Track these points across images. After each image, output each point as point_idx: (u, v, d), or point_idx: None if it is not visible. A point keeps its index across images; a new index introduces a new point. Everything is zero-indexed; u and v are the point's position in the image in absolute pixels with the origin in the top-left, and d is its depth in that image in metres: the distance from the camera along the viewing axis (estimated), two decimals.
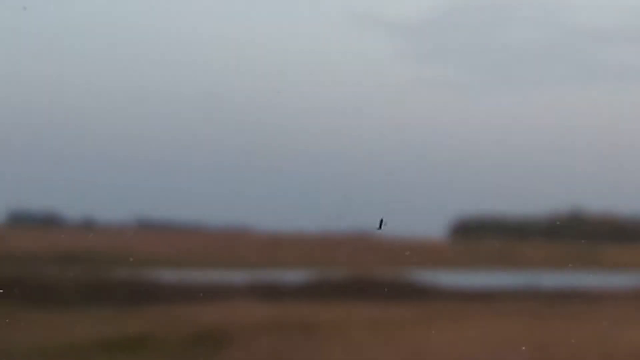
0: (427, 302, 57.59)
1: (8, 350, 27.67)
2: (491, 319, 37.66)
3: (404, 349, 26.35)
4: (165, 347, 27.61)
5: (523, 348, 25.07)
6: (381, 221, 40.47)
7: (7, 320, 39.33)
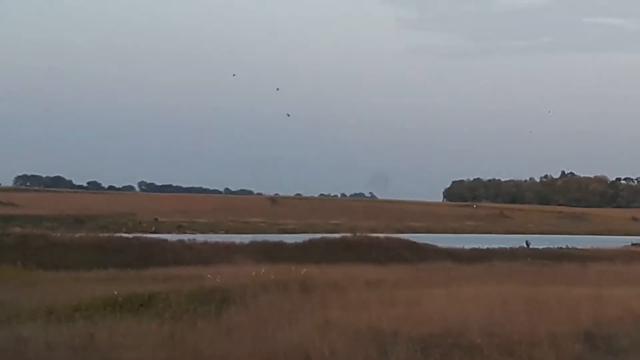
0: (425, 262, 58.40)
1: (20, 309, 28.54)
2: (486, 278, 38.59)
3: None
4: (172, 305, 28.47)
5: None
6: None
7: (17, 280, 40.16)
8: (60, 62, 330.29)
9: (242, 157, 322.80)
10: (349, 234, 73.60)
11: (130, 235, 68.74)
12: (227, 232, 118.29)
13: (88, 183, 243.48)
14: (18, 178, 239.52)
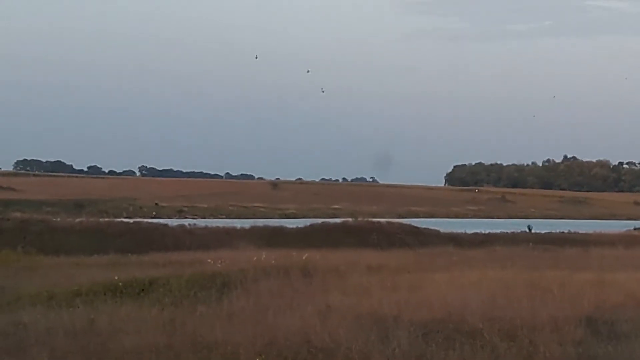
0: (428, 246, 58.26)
1: (20, 294, 28.48)
2: (488, 262, 38.50)
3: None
4: (172, 290, 28.40)
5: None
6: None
7: (17, 265, 40.09)
8: (60, 49, 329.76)
9: (243, 141, 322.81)
10: (350, 219, 73.50)
11: (131, 220, 68.68)
12: (227, 217, 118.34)
13: (88, 168, 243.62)
14: (18, 163, 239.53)
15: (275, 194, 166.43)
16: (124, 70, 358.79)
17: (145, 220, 73.50)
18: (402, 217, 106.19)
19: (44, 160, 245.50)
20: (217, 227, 65.08)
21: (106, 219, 69.42)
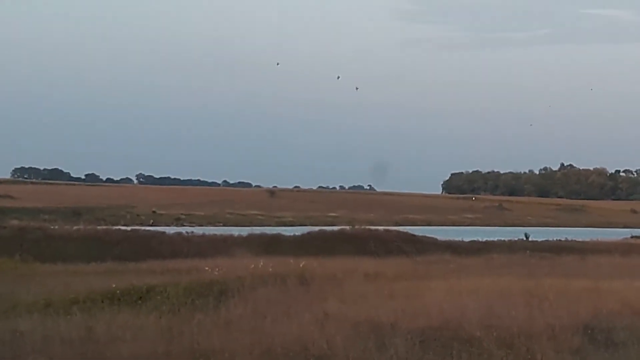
0: (424, 254, 58.15)
1: (17, 301, 28.42)
2: (485, 270, 38.51)
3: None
4: (170, 298, 28.37)
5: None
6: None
7: (14, 273, 39.95)
8: (58, 57, 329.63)
9: (240, 149, 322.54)
10: (347, 227, 73.48)
11: (128, 228, 68.61)
12: (225, 225, 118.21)
13: (86, 175, 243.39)
14: (16, 170, 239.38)
15: (273, 201, 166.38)
16: (122, 79, 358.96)
17: (143, 228, 73.44)
18: (399, 225, 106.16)
19: (41, 168, 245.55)
20: (215, 235, 65.07)
21: (104, 227, 69.34)
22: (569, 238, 76.26)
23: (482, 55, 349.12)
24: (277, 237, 66.17)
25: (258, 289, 29.97)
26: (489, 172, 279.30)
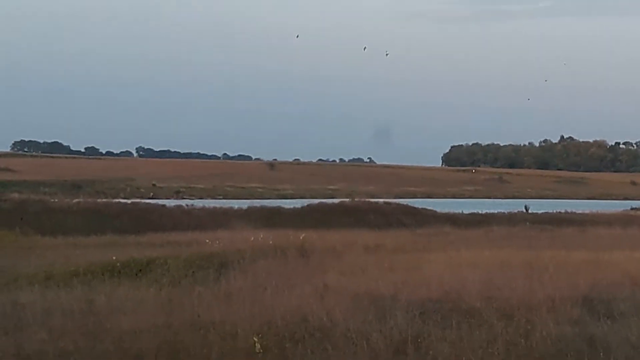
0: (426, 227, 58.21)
1: (17, 274, 28.45)
2: (485, 243, 38.52)
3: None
4: (170, 270, 28.41)
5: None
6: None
7: (15, 246, 40.02)
8: (58, 31, 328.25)
9: (240, 122, 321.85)
10: (347, 199, 73.54)
11: (128, 201, 68.61)
12: (225, 198, 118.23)
13: (86, 148, 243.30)
14: (16, 144, 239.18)
15: (273, 174, 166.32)
16: (122, 52, 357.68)
17: (143, 201, 73.47)
18: (399, 198, 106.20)
19: (41, 141, 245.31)
20: (215, 207, 65.08)
21: (104, 200, 69.39)
22: (569, 210, 76.35)
23: (483, 28, 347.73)
24: (277, 210, 66.22)
25: (258, 261, 30.01)
26: (488, 145, 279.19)
